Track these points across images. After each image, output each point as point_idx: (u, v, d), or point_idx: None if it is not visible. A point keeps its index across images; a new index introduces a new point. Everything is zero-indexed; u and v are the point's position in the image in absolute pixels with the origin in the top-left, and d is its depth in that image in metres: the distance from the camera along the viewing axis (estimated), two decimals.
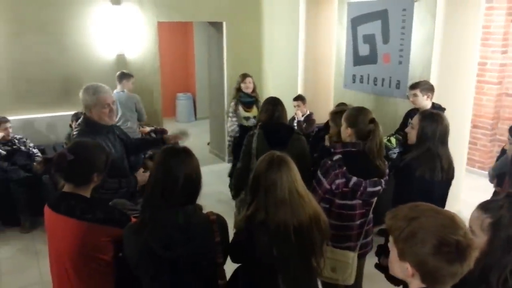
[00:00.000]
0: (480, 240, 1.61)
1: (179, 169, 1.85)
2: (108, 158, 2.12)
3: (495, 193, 3.83)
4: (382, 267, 2.91)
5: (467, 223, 2.69)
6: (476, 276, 1.56)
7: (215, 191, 5.55)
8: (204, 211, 1.98)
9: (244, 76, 5.42)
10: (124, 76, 5.38)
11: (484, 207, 1.68)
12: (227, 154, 7.26)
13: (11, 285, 3.91)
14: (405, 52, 4.86)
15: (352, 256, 2.66)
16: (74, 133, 3.00)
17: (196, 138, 8.09)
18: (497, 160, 3.89)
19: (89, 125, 2.89)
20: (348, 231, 2.71)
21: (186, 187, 1.85)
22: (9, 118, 5.07)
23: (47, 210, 2.06)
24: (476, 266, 1.47)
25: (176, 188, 1.83)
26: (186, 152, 1.94)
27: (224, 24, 6.73)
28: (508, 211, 1.60)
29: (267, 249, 1.95)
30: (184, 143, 3.32)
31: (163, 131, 6.33)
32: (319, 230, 2.04)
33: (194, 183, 1.90)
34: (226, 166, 7.10)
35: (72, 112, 5.30)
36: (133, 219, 2.09)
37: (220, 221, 1.96)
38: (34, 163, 4.91)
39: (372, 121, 2.67)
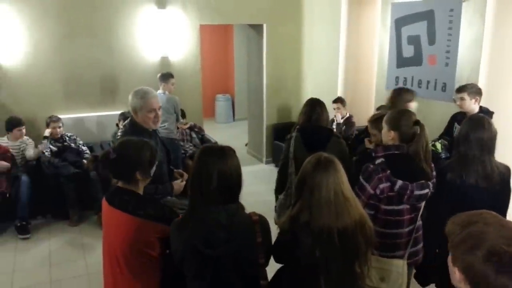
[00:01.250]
0: None
1: (213, 167, 1.86)
2: (153, 156, 2.16)
3: None
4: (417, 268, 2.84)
5: None
6: None
7: (252, 192, 5.59)
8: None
9: None
10: (163, 78, 5.49)
11: None
12: (265, 155, 7.31)
13: (59, 276, 4.08)
14: (452, 54, 4.74)
15: (402, 265, 2.56)
16: (119, 134, 3.09)
17: (234, 139, 8.19)
18: None
19: (133, 128, 2.96)
20: (396, 239, 2.59)
21: (221, 185, 1.86)
22: (61, 116, 5.33)
23: (104, 203, 2.15)
24: None
25: (210, 186, 1.85)
26: (222, 151, 1.95)
27: (265, 26, 6.77)
28: None
29: (310, 250, 1.94)
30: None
31: (201, 130, 6.45)
32: (364, 236, 2.02)
33: (230, 181, 1.90)
34: (264, 167, 7.16)
35: (119, 112, 5.49)
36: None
37: (262, 222, 1.96)
38: (84, 160, 5.13)
39: (417, 123, 2.61)
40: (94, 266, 4.12)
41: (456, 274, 1.27)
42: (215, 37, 10.09)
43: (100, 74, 5.87)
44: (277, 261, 2.15)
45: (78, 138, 5.41)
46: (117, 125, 5.38)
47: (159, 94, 5.46)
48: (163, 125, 5.41)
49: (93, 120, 5.90)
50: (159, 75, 5.57)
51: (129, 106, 3.00)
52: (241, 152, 7.60)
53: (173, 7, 6.06)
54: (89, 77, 5.82)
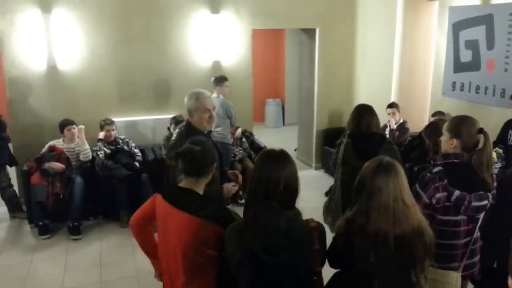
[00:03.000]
0: None
1: (281, 172, 1.86)
2: (216, 156, 2.26)
3: None
4: (474, 281, 2.71)
5: None
6: None
7: (302, 197, 5.51)
8: None
9: None
10: (217, 81, 5.51)
11: None
12: (314, 161, 7.25)
13: (109, 276, 4.17)
14: (511, 59, 4.50)
15: (456, 277, 2.48)
16: (174, 136, 3.17)
17: (284, 144, 8.13)
18: None
19: (189, 129, 3.04)
20: (452, 250, 2.51)
21: (286, 190, 1.86)
22: (114, 119, 5.50)
23: (162, 202, 2.18)
24: None
25: (278, 190, 1.85)
26: (286, 155, 1.95)
27: (317, 30, 6.73)
28: None
29: (365, 254, 1.91)
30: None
31: (251, 134, 6.49)
32: (422, 244, 1.96)
33: (293, 187, 1.90)
34: (313, 173, 7.09)
35: (171, 116, 5.63)
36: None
37: (320, 229, 1.94)
38: (136, 163, 5.26)
39: (481, 131, 2.50)
40: (143, 267, 4.14)
41: (510, 279, 1.24)
42: (267, 42, 10.13)
43: (153, 78, 6.02)
44: (331, 265, 2.13)
45: (130, 141, 5.52)
46: (168, 129, 5.50)
47: (213, 97, 5.56)
48: (217, 129, 5.44)
49: (145, 123, 6.04)
50: (212, 78, 5.62)
51: (185, 108, 3.10)
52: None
53: (227, 12, 6.15)
54: (143, 81, 5.98)
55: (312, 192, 5.82)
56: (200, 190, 2.18)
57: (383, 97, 6.16)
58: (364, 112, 3.40)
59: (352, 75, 7.10)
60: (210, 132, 3.19)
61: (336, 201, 3.38)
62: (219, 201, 2.36)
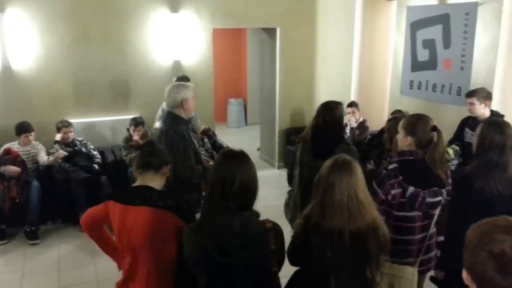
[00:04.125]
0: None
1: (237, 171, 1.86)
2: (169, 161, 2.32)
3: None
4: (437, 280, 2.78)
5: None
6: None
7: (264, 196, 5.50)
8: None
9: None
10: (178, 81, 5.40)
11: None
12: (277, 160, 7.27)
13: (68, 281, 4.07)
14: (467, 58, 4.65)
15: (412, 272, 2.53)
16: (157, 125, 3.43)
17: (247, 144, 8.15)
18: None
19: (174, 118, 3.27)
20: (408, 246, 2.56)
21: (242, 191, 1.86)
22: (72, 121, 5.33)
23: (117, 207, 2.17)
24: None
25: (233, 190, 1.84)
26: (244, 156, 1.96)
27: (278, 30, 6.75)
28: None
29: (322, 250, 1.94)
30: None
31: (214, 135, 6.41)
32: (377, 241, 1.99)
33: (250, 187, 1.90)
34: (276, 172, 7.11)
35: (131, 117, 5.50)
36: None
37: (276, 229, 1.94)
38: (95, 165, 5.13)
39: (434, 128, 2.56)
40: (103, 272, 4.09)
41: (464, 273, 1.28)
42: (228, 41, 10.08)
43: (111, 78, 5.88)
44: (291, 263, 2.15)
45: (89, 143, 5.40)
46: (128, 130, 5.37)
47: None
48: None
49: (104, 124, 5.90)
50: (174, 78, 5.52)
51: (171, 102, 3.30)
52: (253, 157, 7.37)
53: (186, 11, 6.07)
54: (101, 81, 5.83)
55: (275, 191, 5.81)
56: (157, 186, 2.20)
57: (343, 96, 6.23)
58: (326, 111, 3.37)
59: (313, 74, 7.16)
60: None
61: (294, 199, 3.40)
62: (176, 194, 2.36)
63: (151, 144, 2.28)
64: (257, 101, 8.97)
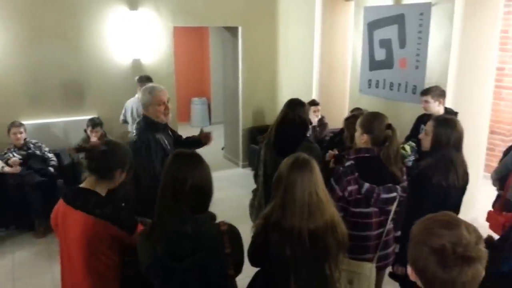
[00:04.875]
0: None
1: (188, 173, 1.82)
2: (131, 165, 2.19)
3: (498, 197, 3.75)
4: (397, 276, 2.85)
5: (485, 229, 2.64)
6: None
7: (229, 196, 5.54)
8: (218, 217, 1.95)
9: None
10: (139, 81, 5.33)
11: None
12: (241, 159, 7.26)
13: None
14: (421, 57, 4.79)
15: (370, 268, 2.56)
16: (134, 132, 3.20)
17: (211, 143, 8.12)
18: (499, 163, 3.81)
19: (148, 124, 3.15)
20: (365, 242, 2.61)
21: (194, 193, 1.82)
22: (24, 122, 5.09)
23: (62, 205, 2.09)
24: None
25: (184, 193, 1.80)
26: (196, 157, 1.91)
27: (240, 28, 6.73)
28: None
29: (281, 249, 1.95)
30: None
31: (180, 137, 6.34)
32: (335, 238, 2.01)
33: (203, 189, 1.86)
34: (240, 171, 7.10)
35: (88, 117, 5.34)
36: (140, 226, 2.11)
37: (232, 232, 1.90)
38: (50, 168, 4.95)
39: (389, 126, 2.62)
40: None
41: (409, 268, 1.31)
42: (190, 40, 10.00)
43: (67, 77, 5.67)
44: (252, 264, 2.13)
45: (43, 145, 5.17)
46: (85, 131, 5.21)
47: (134, 98, 5.35)
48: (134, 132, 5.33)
49: (59, 126, 5.68)
50: (136, 78, 5.43)
51: (141, 103, 3.24)
52: (218, 156, 7.53)
53: (145, 9, 5.95)
54: (56, 81, 5.61)
55: (240, 191, 5.82)
56: (101, 191, 2.09)
57: (305, 94, 6.30)
58: (289, 108, 3.36)
59: (275, 73, 7.19)
60: (167, 124, 3.31)
61: (259, 198, 3.40)
62: (118, 202, 2.30)
63: (108, 145, 2.12)
64: (221, 100, 8.93)
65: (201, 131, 3.74)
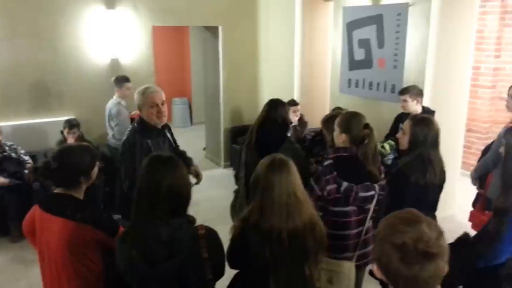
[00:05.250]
0: None
1: (163, 178, 1.79)
2: (93, 159, 2.14)
3: (478, 195, 3.82)
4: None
5: (462, 226, 2.69)
6: None
7: (211, 197, 5.50)
8: (199, 218, 1.94)
9: None
10: (116, 82, 5.25)
11: None
12: (223, 159, 7.24)
13: None
14: (399, 57, 4.85)
15: (349, 266, 2.58)
16: (127, 133, 3.15)
17: (192, 144, 8.06)
18: (478, 162, 3.88)
19: (141, 126, 3.10)
20: (344, 241, 2.62)
21: (170, 197, 1.80)
22: (0, 124, 4.98)
23: (39, 212, 2.05)
24: None
25: (159, 198, 1.78)
26: (172, 161, 1.89)
27: (220, 28, 6.70)
28: None
29: (260, 250, 1.94)
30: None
31: None
32: (314, 238, 2.01)
33: (180, 194, 1.84)
34: (222, 172, 7.08)
35: (65, 118, 5.24)
36: (122, 228, 2.09)
37: (210, 236, 1.88)
38: (26, 171, 4.84)
39: (367, 126, 2.64)
40: (37, 285, 3.83)
41: (374, 269, 1.33)
42: (171, 39, 9.93)
43: (43, 78, 5.56)
44: (231, 266, 2.12)
45: (19, 147, 5.05)
46: (62, 132, 5.12)
47: (113, 99, 5.25)
48: (111, 134, 5.25)
49: (35, 127, 5.55)
50: (113, 79, 5.35)
51: (137, 106, 3.15)
52: (199, 156, 7.49)
53: (123, 8, 5.87)
54: (31, 81, 5.50)
55: (222, 191, 5.78)
56: (79, 194, 2.07)
57: (286, 94, 6.30)
58: (271, 109, 3.38)
59: (256, 73, 7.19)
60: (166, 126, 3.25)
61: (241, 200, 3.38)
62: (96, 205, 2.27)
63: (60, 158, 2.04)
64: (202, 100, 8.88)
65: (195, 167, 3.54)
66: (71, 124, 5.01)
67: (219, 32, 6.74)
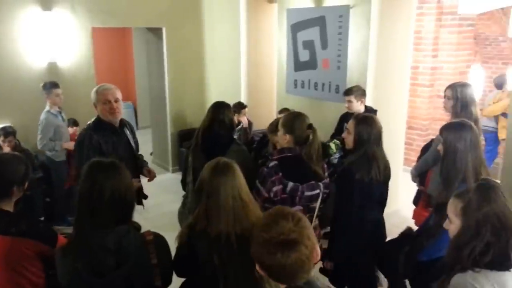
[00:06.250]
0: (455, 225, 1.74)
1: (106, 184, 1.72)
2: (27, 170, 2.06)
3: (418, 192, 3.97)
4: (326, 271, 2.92)
5: (406, 221, 2.78)
6: (452, 257, 1.68)
7: (159, 202, 5.37)
8: (148, 225, 1.87)
9: None
10: (44, 89, 4.92)
11: (457, 194, 1.78)
12: (171, 164, 7.10)
13: None
14: (342, 58, 4.96)
15: None
16: (82, 129, 3.23)
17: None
18: (418, 160, 4.04)
19: (95, 122, 3.18)
20: None
21: (114, 205, 1.73)
22: None
23: None
24: (451, 248, 1.71)
25: (102, 206, 1.71)
26: (115, 166, 1.82)
27: (164, 29, 6.57)
28: (475, 195, 1.68)
29: (208, 257, 1.91)
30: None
31: None
32: None
33: (124, 200, 1.77)
34: (170, 176, 6.94)
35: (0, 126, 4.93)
36: (61, 237, 2.01)
37: (158, 241, 1.84)
38: None
39: (310, 126, 2.68)
40: None
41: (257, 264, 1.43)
42: (112, 41, 9.63)
43: None
44: (178, 275, 2.08)
45: None
46: None
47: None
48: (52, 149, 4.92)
49: None
50: (41, 84, 5.02)
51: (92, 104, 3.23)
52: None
53: (60, 9, 5.60)
54: None
55: (171, 196, 5.67)
56: (8, 207, 1.96)
57: (233, 96, 6.29)
58: (216, 111, 3.36)
59: (202, 74, 7.11)
60: (125, 125, 3.32)
61: (190, 206, 3.32)
62: (31, 216, 2.15)
63: None
64: (147, 103, 8.68)
65: (146, 167, 3.64)
66: (6, 132, 4.71)
67: (163, 33, 6.60)
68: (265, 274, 1.38)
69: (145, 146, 7.90)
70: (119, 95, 3.24)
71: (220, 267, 1.93)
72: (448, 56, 6.37)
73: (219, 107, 3.41)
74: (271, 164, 2.57)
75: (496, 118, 6.11)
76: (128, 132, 3.38)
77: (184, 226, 2.08)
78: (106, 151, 3.07)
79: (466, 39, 6.42)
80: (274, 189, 2.52)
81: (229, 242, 1.91)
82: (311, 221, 2.68)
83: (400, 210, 5.14)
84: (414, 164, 6.57)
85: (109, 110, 3.14)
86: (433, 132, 6.64)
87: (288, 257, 1.30)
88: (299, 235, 1.33)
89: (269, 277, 1.37)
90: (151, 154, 7.66)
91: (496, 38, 7.64)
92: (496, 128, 6.11)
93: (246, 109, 5.81)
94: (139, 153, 3.66)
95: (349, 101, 4.36)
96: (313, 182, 2.60)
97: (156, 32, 6.75)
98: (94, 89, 3.24)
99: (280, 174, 2.53)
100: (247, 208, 1.99)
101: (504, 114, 5.99)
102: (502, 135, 5.94)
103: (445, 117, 6.31)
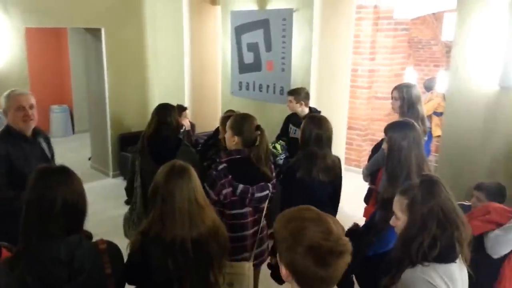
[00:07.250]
0: (401, 221, 1.77)
1: (58, 191, 1.62)
2: None
3: (369, 190, 4.13)
4: (273, 266, 2.95)
5: (348, 220, 2.88)
6: (400, 252, 1.71)
7: (100, 209, 5.14)
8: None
9: None
10: None
11: (402, 190, 1.82)
12: (111, 168, 6.85)
13: None
14: (286, 60, 5.05)
15: (248, 267, 2.61)
16: None
17: (75, 154, 7.52)
18: (368, 160, 4.19)
19: (5, 131, 2.88)
20: (242, 242, 2.65)
21: (66, 213, 1.63)
22: None
23: None
24: (399, 243, 1.73)
25: (53, 215, 1.60)
26: (65, 172, 1.72)
27: (103, 30, 6.33)
28: (419, 190, 1.73)
29: (162, 262, 1.85)
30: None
31: None
32: (218, 243, 1.98)
33: (76, 207, 1.67)
34: (111, 182, 6.69)
35: None
36: (4, 250, 1.88)
37: (112, 250, 1.77)
38: None
39: (258, 127, 2.69)
40: None
41: (283, 270, 1.31)
42: (46, 42, 9.13)
43: None
44: (129, 282, 2.00)
45: None
46: None
47: None
48: None
49: None
50: None
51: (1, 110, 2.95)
52: (84, 167, 6.99)
53: None
54: None
55: (111, 202, 5.48)
56: None
57: (177, 98, 6.19)
58: (162, 113, 3.29)
59: (144, 76, 6.93)
60: (40, 135, 3.02)
61: (139, 211, 3.22)
62: None
63: None
64: (84, 106, 8.31)
65: None
66: None
67: (102, 34, 6.36)
68: (298, 283, 1.28)
69: (83, 151, 7.61)
70: (33, 101, 2.97)
71: (175, 273, 1.88)
72: (384, 59, 6.68)
73: (165, 109, 3.35)
74: (220, 166, 2.55)
75: (429, 118, 6.50)
76: (42, 141, 3.10)
77: (137, 232, 2.00)
78: (17, 163, 2.81)
79: (401, 43, 6.77)
80: (224, 191, 2.51)
81: (184, 247, 1.87)
82: (259, 222, 2.70)
83: (342, 207, 5.26)
84: (354, 163, 6.91)
85: (23, 117, 2.85)
86: (372, 132, 6.93)
87: (333, 271, 1.25)
88: (346, 248, 1.26)
89: (296, 279, 1.28)
90: (89, 159, 7.36)
91: (428, 42, 8.12)
92: (430, 127, 6.50)
93: (187, 111, 5.75)
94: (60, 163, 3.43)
95: (289, 101, 4.42)
96: (262, 183, 2.62)
97: (94, 32, 6.48)
98: (5, 93, 2.93)
99: (230, 176, 2.52)
100: (203, 211, 1.96)
101: (436, 113, 6.42)
102: (436, 132, 6.34)
103: (383, 118, 6.63)
